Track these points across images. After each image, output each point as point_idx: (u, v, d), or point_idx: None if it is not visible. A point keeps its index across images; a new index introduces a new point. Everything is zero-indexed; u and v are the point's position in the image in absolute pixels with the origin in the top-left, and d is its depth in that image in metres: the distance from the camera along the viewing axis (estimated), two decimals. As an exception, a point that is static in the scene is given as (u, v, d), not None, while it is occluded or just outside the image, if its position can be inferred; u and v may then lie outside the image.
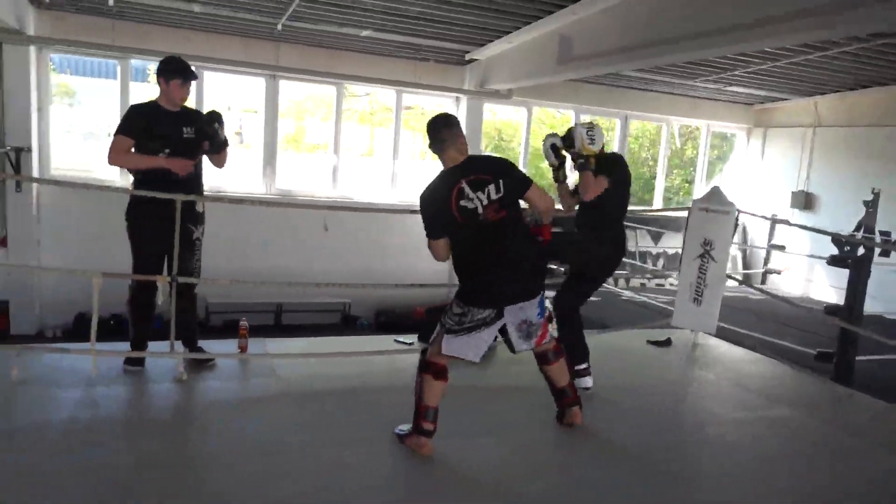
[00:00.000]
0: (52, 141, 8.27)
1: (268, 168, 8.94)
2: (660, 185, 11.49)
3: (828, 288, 10.26)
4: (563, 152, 4.02)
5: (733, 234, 4.52)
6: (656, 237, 11.06)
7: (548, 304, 3.63)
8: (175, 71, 3.77)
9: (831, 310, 4.88)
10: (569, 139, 3.95)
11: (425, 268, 8.41)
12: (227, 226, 8.48)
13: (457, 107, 9.88)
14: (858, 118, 10.04)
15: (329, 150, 9.47)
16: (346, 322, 9.25)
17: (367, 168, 10.82)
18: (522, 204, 3.27)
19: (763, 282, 11.26)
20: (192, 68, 3.87)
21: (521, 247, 3.16)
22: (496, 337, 3.19)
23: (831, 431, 3.84)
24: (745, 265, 11.90)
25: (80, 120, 9.69)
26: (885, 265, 9.44)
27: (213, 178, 8.83)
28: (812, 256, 10.20)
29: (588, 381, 3.97)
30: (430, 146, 3.20)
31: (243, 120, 10.31)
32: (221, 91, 10.20)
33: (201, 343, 4.06)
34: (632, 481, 3.06)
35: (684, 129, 12.36)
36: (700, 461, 3.46)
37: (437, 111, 10.78)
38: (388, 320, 9.19)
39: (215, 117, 3.86)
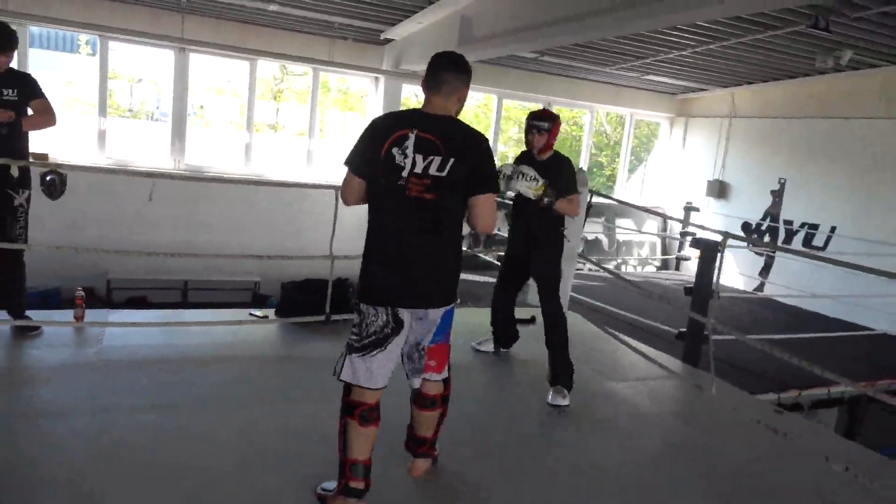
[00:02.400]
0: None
1: (176, 143, 8.78)
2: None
3: (737, 275, 10.56)
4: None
5: (586, 216, 4.60)
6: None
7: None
8: None
9: (689, 291, 5.01)
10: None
11: (340, 247, 8.47)
12: (132, 200, 8.39)
13: (376, 87, 9.84)
14: (770, 110, 10.30)
15: (243, 127, 9.35)
16: (255, 300, 9.19)
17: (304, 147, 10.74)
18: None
19: (677, 267, 11.54)
20: (13, 36, 3.74)
21: (440, 237, 2.48)
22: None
23: (641, 401, 4.04)
24: (664, 251, 12.17)
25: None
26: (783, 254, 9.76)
27: (117, 151, 8.79)
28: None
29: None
30: (424, 79, 2.55)
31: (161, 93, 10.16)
32: (136, 62, 10.01)
33: (31, 312, 4.02)
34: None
35: (611, 117, 12.54)
36: (523, 427, 3.54)
37: (362, 91, 10.76)
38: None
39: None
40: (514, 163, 3.91)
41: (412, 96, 11.74)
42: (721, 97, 11.08)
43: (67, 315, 4.06)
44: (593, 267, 8.26)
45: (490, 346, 4.51)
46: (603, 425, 3.68)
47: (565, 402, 3.74)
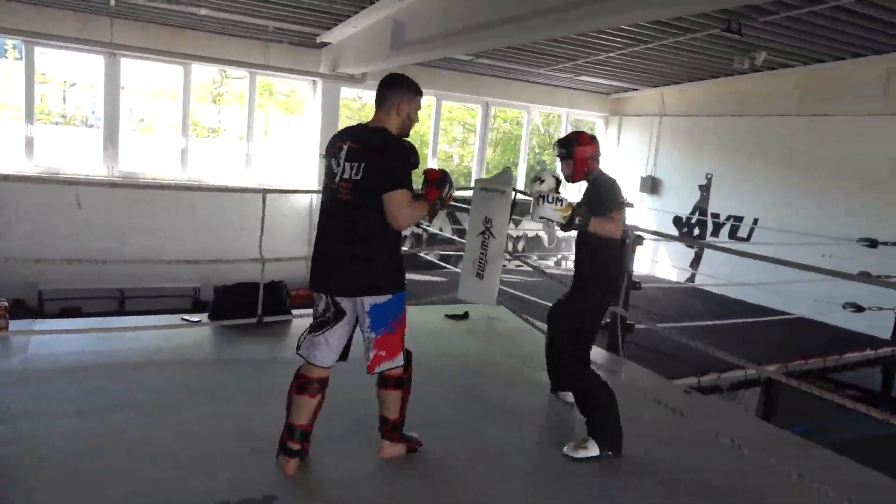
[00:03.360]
0: None
1: (109, 149, 8.63)
2: (521, 170, 11.89)
3: (670, 268, 10.99)
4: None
5: (511, 213, 4.76)
6: (516, 221, 11.46)
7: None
8: None
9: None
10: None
11: (281, 249, 8.48)
12: (61, 209, 8.23)
13: (314, 90, 9.87)
14: (696, 108, 10.77)
15: (179, 131, 9.25)
16: (196, 307, 9.10)
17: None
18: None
19: (614, 262, 11.91)
20: None
21: (355, 234, 2.74)
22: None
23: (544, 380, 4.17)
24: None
25: None
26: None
27: (47, 159, 8.58)
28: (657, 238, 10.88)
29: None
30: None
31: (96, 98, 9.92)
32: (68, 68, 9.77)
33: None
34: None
35: (545, 117, 12.85)
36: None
37: (299, 94, 10.75)
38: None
39: None
40: (534, 179, 3.50)
41: (355, 98, 11.84)
42: (651, 97, 11.51)
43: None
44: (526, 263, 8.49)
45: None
46: (510, 411, 3.83)
47: (580, 454, 3.30)
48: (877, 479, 3.30)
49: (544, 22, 5.41)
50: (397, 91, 2.81)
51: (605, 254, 3.47)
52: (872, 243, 7.47)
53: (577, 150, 3.48)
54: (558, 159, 3.60)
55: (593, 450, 3.29)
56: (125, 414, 3.35)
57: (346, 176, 2.72)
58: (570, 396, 3.77)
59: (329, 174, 2.79)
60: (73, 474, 2.76)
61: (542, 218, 3.36)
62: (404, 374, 2.97)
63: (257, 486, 2.74)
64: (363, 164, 2.70)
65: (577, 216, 3.24)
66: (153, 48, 8.52)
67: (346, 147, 2.74)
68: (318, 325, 2.84)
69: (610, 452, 3.31)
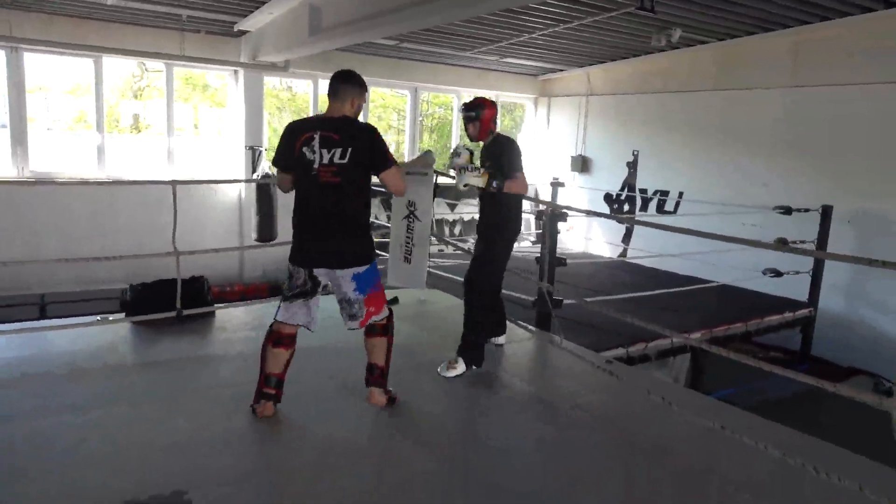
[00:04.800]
0: None
1: (17, 149, 8.20)
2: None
3: (603, 244, 11.22)
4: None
5: (434, 196, 4.76)
6: (451, 205, 11.48)
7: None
8: None
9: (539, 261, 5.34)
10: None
11: (212, 243, 8.26)
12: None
13: (236, 80, 9.61)
14: (621, 87, 10.98)
15: (92, 128, 8.87)
16: (123, 309, 8.77)
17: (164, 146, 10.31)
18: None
19: (550, 242, 12.09)
20: None
21: (345, 215, 3.17)
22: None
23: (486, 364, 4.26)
24: (538, 226, 12.70)
25: None
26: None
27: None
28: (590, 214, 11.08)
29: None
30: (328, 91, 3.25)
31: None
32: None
33: None
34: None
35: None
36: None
37: (222, 87, 10.45)
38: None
39: None
40: (452, 155, 4.04)
41: (279, 86, 11.59)
42: (578, 77, 11.67)
43: None
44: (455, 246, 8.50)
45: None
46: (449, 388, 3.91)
47: (451, 373, 4.01)
48: (785, 433, 3.44)
49: (453, 2, 5.41)
50: (350, 86, 3.20)
51: (510, 206, 4.09)
52: (787, 210, 7.77)
53: (484, 112, 4.04)
54: (466, 121, 4.10)
55: (461, 367, 4.04)
56: (48, 419, 3.21)
57: (325, 161, 3.09)
58: (500, 340, 4.61)
59: (303, 163, 3.11)
60: None
61: (465, 186, 3.95)
62: (389, 322, 3.45)
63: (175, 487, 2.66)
64: (349, 149, 3.08)
65: (495, 180, 3.87)
66: (58, 41, 8.10)
67: (316, 136, 3.09)
68: (297, 295, 3.25)
69: (474, 367, 4.09)
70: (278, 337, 3.30)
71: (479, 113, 4.04)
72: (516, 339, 4.85)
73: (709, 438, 3.33)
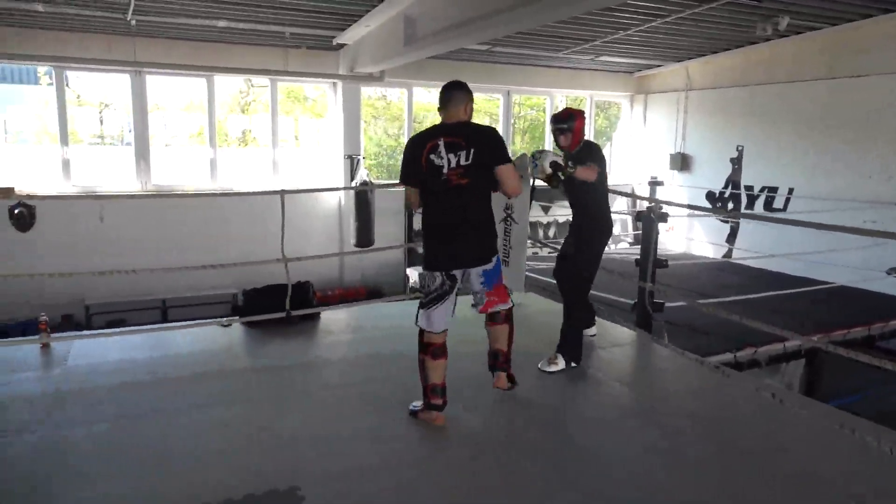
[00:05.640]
0: None
1: (141, 164, 8.89)
2: (548, 156, 11.80)
3: (706, 244, 10.78)
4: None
5: (531, 198, 4.76)
6: (545, 208, 11.39)
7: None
8: None
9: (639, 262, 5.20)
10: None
11: (315, 250, 8.61)
12: (102, 225, 8.53)
13: (335, 91, 9.98)
14: (722, 80, 10.52)
15: (206, 143, 9.48)
16: (235, 312, 9.29)
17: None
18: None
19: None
20: None
21: (476, 215, 3.33)
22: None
23: (589, 369, 4.23)
24: (636, 227, 12.36)
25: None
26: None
27: (84, 178, 8.88)
28: (691, 215, 10.69)
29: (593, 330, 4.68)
30: (439, 107, 3.41)
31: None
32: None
33: None
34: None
35: (571, 101, 12.71)
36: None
37: (319, 97, 10.87)
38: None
39: None
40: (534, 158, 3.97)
41: (380, 97, 11.91)
42: (676, 71, 11.29)
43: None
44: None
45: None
46: (551, 390, 3.91)
47: (552, 368, 4.12)
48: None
49: (550, 3, 5.36)
50: (462, 93, 3.36)
51: (593, 204, 4.17)
52: (914, 204, 7.20)
53: (575, 123, 4.14)
54: (558, 133, 4.18)
55: (561, 363, 4.12)
56: (156, 418, 3.46)
57: (453, 165, 3.22)
58: (591, 331, 4.70)
59: (432, 169, 3.24)
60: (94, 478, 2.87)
61: (550, 163, 3.83)
62: (510, 311, 3.56)
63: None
64: (472, 150, 3.22)
65: (568, 163, 3.82)
66: (175, 63, 8.73)
67: (440, 143, 3.24)
68: (436, 299, 3.32)
69: (573, 364, 4.15)
70: (436, 349, 3.37)
71: (570, 125, 4.13)
72: (618, 343, 4.76)
73: (826, 438, 3.13)
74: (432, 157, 3.24)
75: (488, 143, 3.29)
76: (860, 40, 8.38)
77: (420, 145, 3.29)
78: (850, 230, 3.61)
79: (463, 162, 3.23)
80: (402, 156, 3.40)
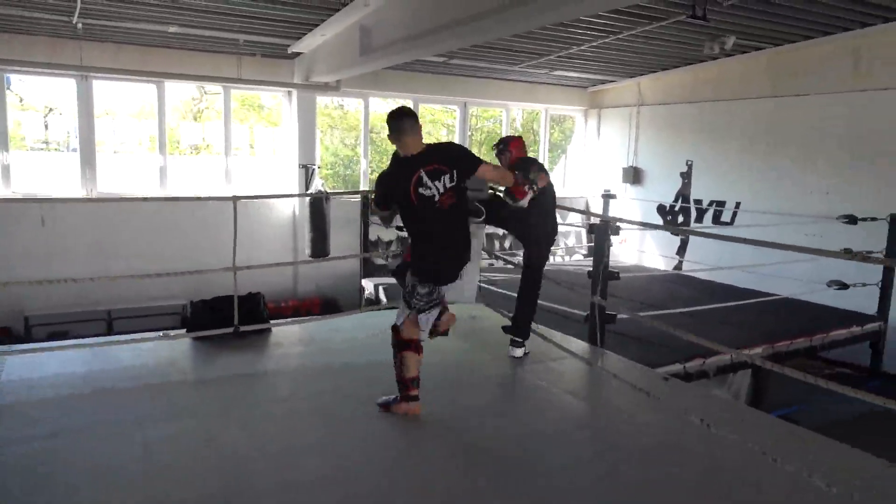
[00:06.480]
0: None
1: (87, 171, 8.62)
2: (504, 168, 11.90)
3: (658, 256, 11.00)
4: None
5: (485, 212, 4.77)
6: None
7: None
8: None
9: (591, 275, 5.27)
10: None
11: (269, 259, 8.45)
12: (42, 232, 8.23)
13: (290, 100, 9.87)
14: (673, 96, 10.79)
15: (155, 150, 9.25)
16: (185, 324, 9.05)
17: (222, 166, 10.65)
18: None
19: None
20: None
21: (462, 233, 3.61)
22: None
23: (535, 380, 4.28)
24: (589, 239, 12.54)
25: None
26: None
27: (25, 184, 8.56)
28: (644, 227, 10.88)
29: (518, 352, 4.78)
30: (389, 135, 3.50)
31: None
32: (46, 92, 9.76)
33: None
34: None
35: (527, 114, 12.88)
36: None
37: (275, 106, 10.73)
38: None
39: None
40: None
41: (336, 106, 11.80)
42: (628, 87, 11.53)
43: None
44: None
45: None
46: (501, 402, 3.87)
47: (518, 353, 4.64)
48: (846, 453, 3.27)
49: (503, 18, 5.39)
50: (415, 119, 3.49)
51: (529, 218, 4.45)
52: (852, 219, 7.48)
53: (509, 145, 4.73)
54: (497, 155, 4.78)
55: (522, 349, 4.68)
56: (97, 433, 3.33)
57: (441, 190, 3.39)
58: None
59: (423, 200, 3.38)
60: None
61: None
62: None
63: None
64: (454, 171, 3.43)
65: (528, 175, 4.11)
66: (123, 68, 8.50)
67: (422, 172, 3.37)
68: (433, 305, 3.55)
69: (525, 340, 4.70)
70: (416, 343, 3.61)
71: (504, 147, 4.74)
72: (568, 355, 4.79)
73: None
74: (421, 190, 3.37)
75: (460, 158, 3.53)
76: (801, 61, 8.71)
77: (403, 181, 3.38)
78: (788, 247, 3.68)
79: (448, 184, 3.41)
80: (373, 183, 3.70)
